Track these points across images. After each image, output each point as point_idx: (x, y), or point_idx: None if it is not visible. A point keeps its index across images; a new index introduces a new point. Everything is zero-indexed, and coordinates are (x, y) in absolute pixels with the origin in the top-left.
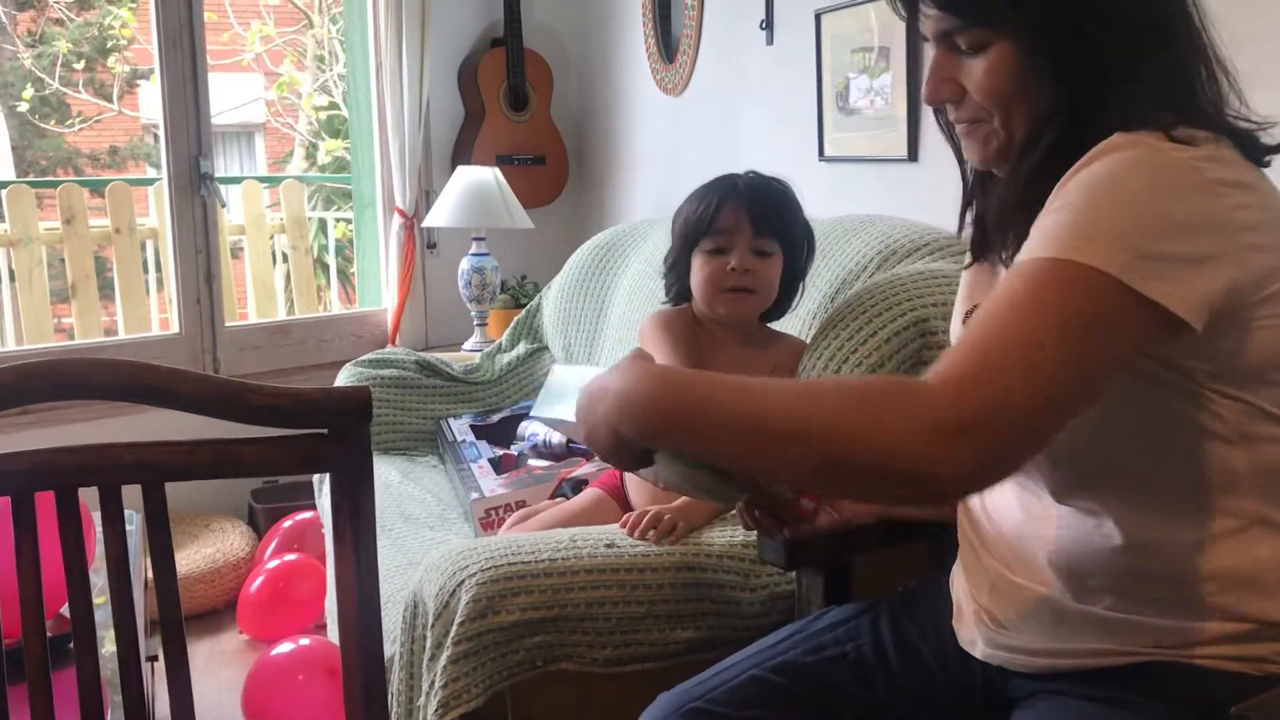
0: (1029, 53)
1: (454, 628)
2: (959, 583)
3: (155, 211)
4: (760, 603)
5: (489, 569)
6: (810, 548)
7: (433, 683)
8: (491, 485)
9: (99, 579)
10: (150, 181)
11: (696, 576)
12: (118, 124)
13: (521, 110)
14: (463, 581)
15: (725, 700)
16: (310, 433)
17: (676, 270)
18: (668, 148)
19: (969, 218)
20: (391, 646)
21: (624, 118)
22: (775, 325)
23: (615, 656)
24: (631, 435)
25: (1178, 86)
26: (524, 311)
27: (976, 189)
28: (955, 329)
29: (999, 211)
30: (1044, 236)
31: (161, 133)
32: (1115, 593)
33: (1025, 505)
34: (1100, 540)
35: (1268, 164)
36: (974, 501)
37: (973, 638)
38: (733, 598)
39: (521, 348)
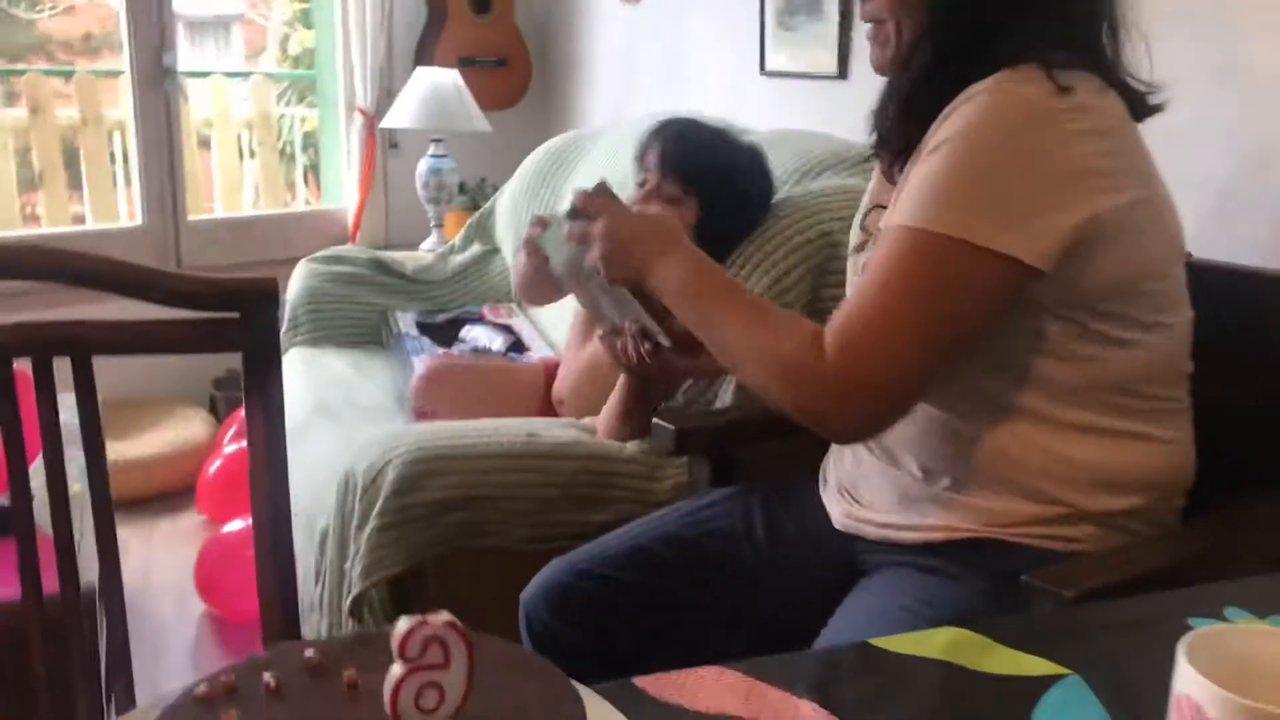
0: None
1: (380, 501)
2: (829, 460)
3: (122, 102)
4: (665, 491)
5: (415, 449)
6: (697, 436)
7: (359, 550)
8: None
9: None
10: (110, 73)
11: (608, 466)
12: (91, 10)
13: (485, 12)
14: (390, 460)
15: (608, 563)
16: (223, 316)
17: None
18: (624, 56)
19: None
20: (327, 520)
21: (585, 24)
22: None
23: (532, 535)
24: (643, 284)
25: (1076, 31)
26: (478, 213)
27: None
28: (854, 229)
29: (883, 123)
30: (909, 198)
31: (123, 24)
32: (953, 476)
33: None
34: (943, 433)
35: (1142, 119)
36: None
37: (833, 508)
38: (640, 486)
39: (474, 249)
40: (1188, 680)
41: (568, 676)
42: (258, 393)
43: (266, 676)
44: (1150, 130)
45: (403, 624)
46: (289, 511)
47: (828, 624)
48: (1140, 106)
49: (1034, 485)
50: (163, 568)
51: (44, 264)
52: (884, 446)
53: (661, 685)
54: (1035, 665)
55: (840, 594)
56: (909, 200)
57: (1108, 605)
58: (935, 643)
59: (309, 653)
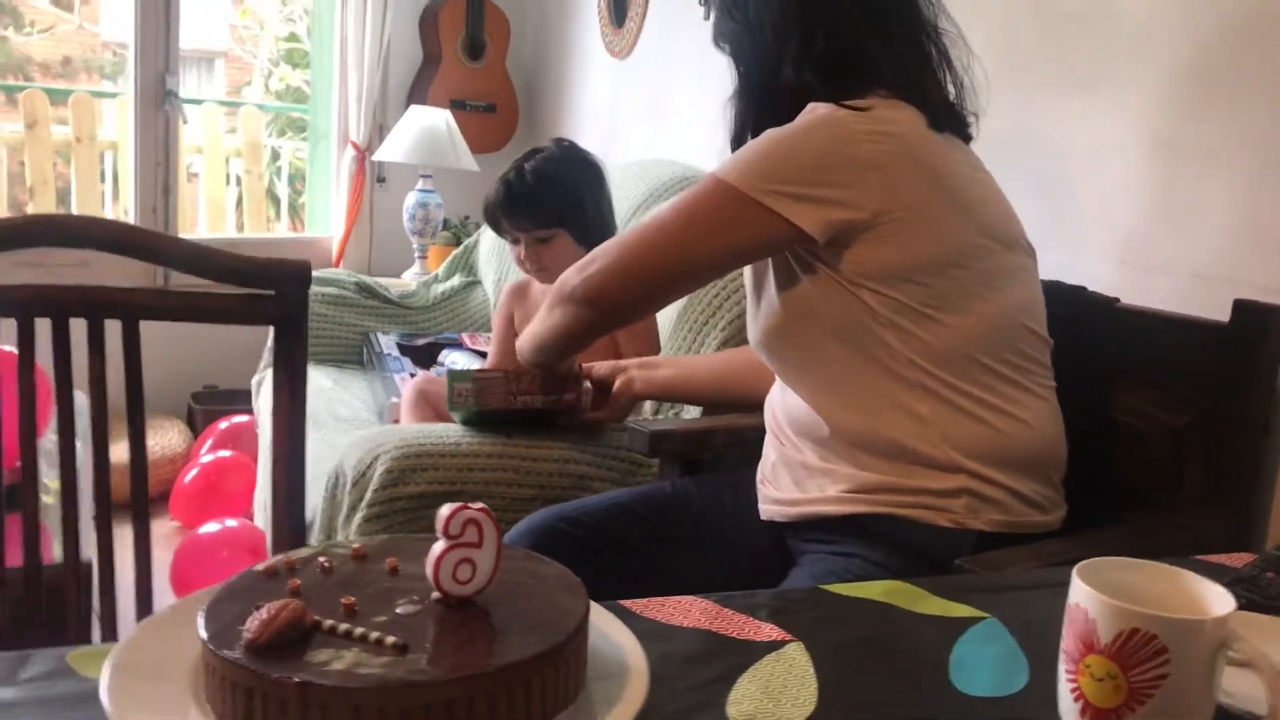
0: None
1: (368, 493)
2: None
3: (117, 124)
4: None
5: (402, 446)
6: (670, 440)
7: (347, 538)
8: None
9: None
10: (108, 94)
11: (581, 469)
12: (73, 35)
13: (478, 59)
14: (379, 456)
15: (589, 513)
16: (259, 293)
17: None
18: (610, 107)
19: None
20: (313, 513)
21: (573, 75)
22: None
23: (507, 531)
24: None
25: (886, 75)
26: (462, 247)
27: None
28: None
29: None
30: (727, 159)
31: (131, 49)
32: (832, 451)
33: (779, 385)
34: (812, 413)
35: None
36: (772, 390)
37: (761, 502)
38: (614, 487)
39: (456, 279)
40: (1077, 591)
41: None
42: (285, 361)
43: (321, 559)
44: (1090, 194)
45: (445, 509)
46: (304, 470)
47: None
48: (943, 118)
49: (896, 448)
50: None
51: (106, 235)
52: (782, 430)
53: (643, 606)
54: (959, 610)
55: (776, 581)
56: (726, 160)
57: (1021, 571)
58: (876, 589)
59: (354, 544)
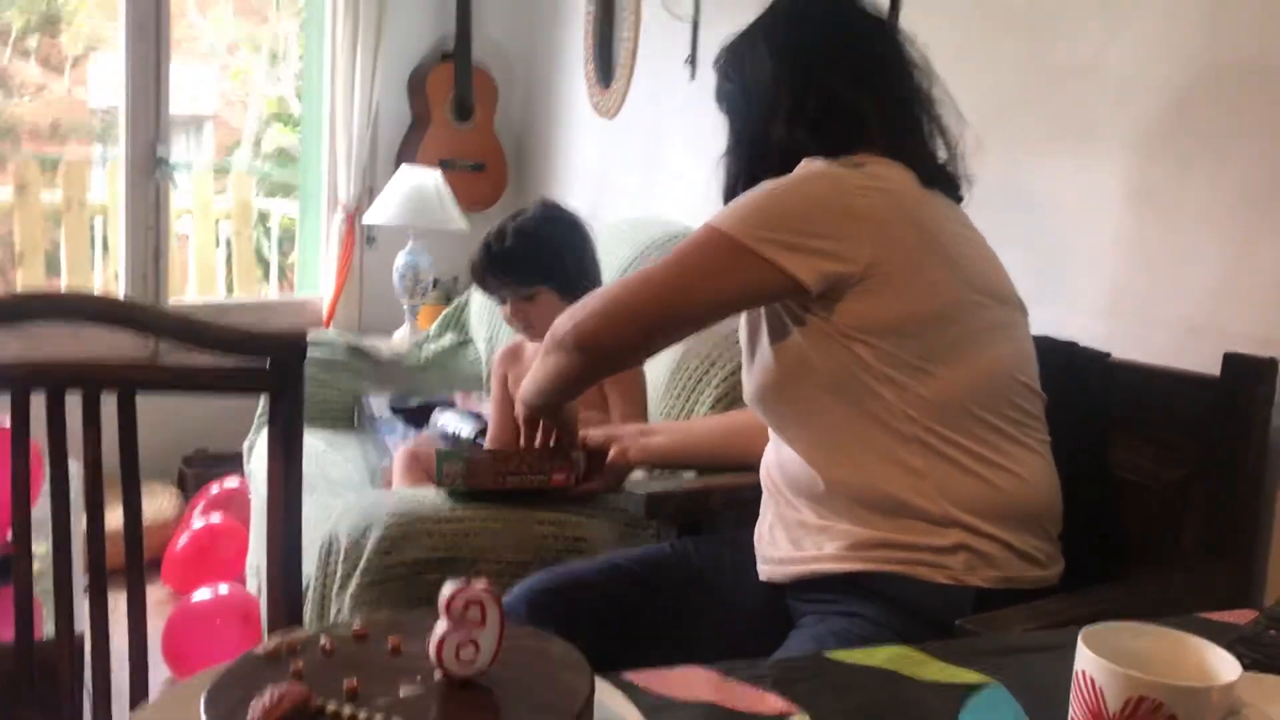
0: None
1: (363, 561)
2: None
3: (107, 189)
4: None
5: (396, 513)
6: (666, 502)
7: (340, 608)
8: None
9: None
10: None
11: (578, 532)
12: (62, 100)
13: (466, 120)
14: (373, 523)
15: (587, 575)
16: (253, 364)
17: None
18: (599, 166)
19: None
20: (307, 580)
21: (561, 134)
22: None
23: (503, 595)
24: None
25: (878, 137)
26: (452, 306)
27: None
28: None
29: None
30: (722, 209)
31: (122, 117)
32: (829, 507)
33: (775, 442)
34: (808, 469)
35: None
36: (767, 448)
37: (759, 564)
38: (609, 553)
39: (448, 339)
40: (1083, 658)
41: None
42: (280, 429)
43: (322, 640)
44: (1080, 248)
45: (448, 587)
46: (300, 538)
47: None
48: (933, 176)
49: (893, 504)
50: (126, 635)
51: (100, 310)
52: (778, 488)
53: (646, 678)
54: (964, 675)
55: (776, 643)
56: (721, 210)
57: (1025, 634)
58: (879, 655)
59: (355, 624)
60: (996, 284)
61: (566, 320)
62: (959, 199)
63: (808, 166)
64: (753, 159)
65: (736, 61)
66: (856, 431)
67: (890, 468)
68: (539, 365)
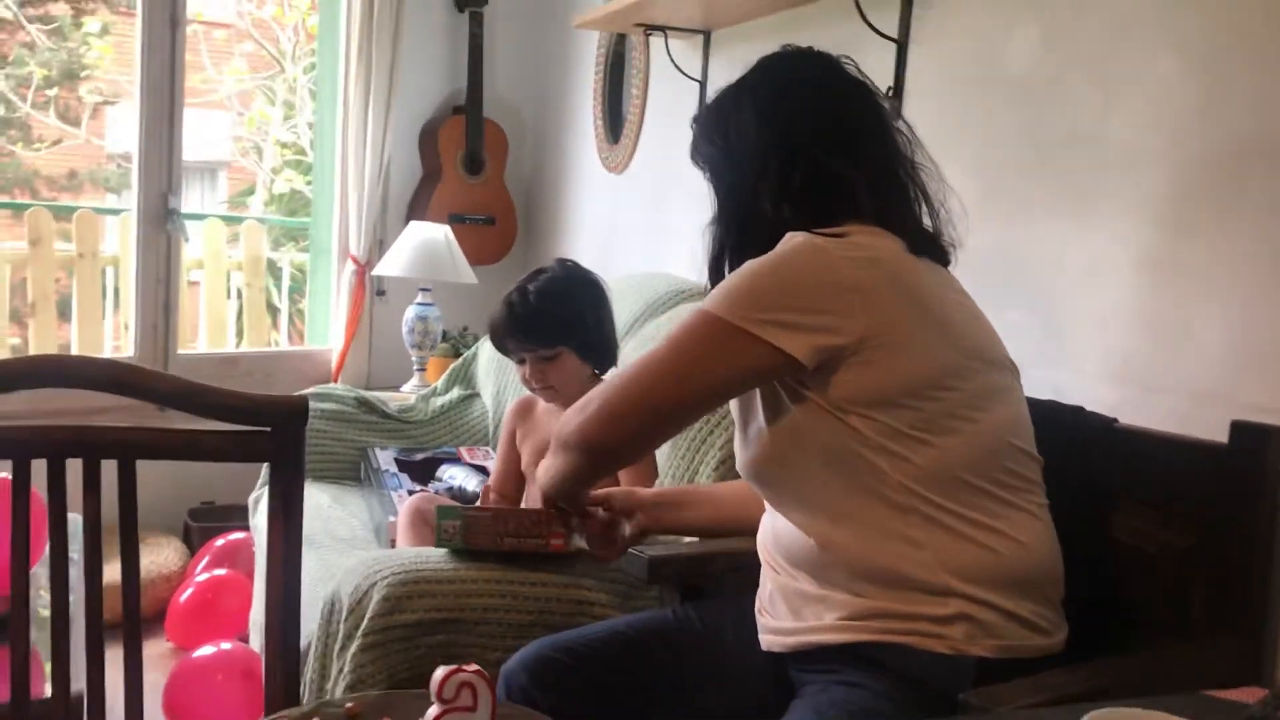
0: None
1: (365, 622)
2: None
3: (119, 240)
4: None
5: (399, 573)
6: (668, 566)
7: (341, 669)
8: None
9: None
10: (110, 211)
11: (580, 594)
12: (79, 149)
13: (477, 174)
14: (375, 583)
15: (588, 642)
16: (257, 430)
17: None
18: (608, 220)
19: None
20: (308, 640)
21: (570, 189)
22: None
23: (506, 659)
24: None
25: (865, 206)
26: (460, 359)
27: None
28: None
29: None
30: (710, 292)
31: (135, 168)
32: (827, 578)
33: (771, 513)
34: (806, 540)
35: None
36: (764, 518)
37: (760, 632)
38: (611, 615)
39: (455, 393)
40: None
41: None
42: (282, 497)
43: None
44: (1084, 314)
45: (440, 671)
46: (299, 609)
47: None
48: (922, 244)
49: (892, 574)
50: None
51: (104, 375)
52: (775, 558)
53: None
54: None
55: (779, 713)
56: (710, 293)
57: (1030, 712)
58: None
59: (349, 704)
60: (988, 348)
61: (572, 420)
62: (946, 263)
63: (791, 241)
64: (739, 229)
65: (720, 124)
66: (853, 503)
67: (888, 539)
68: (552, 462)
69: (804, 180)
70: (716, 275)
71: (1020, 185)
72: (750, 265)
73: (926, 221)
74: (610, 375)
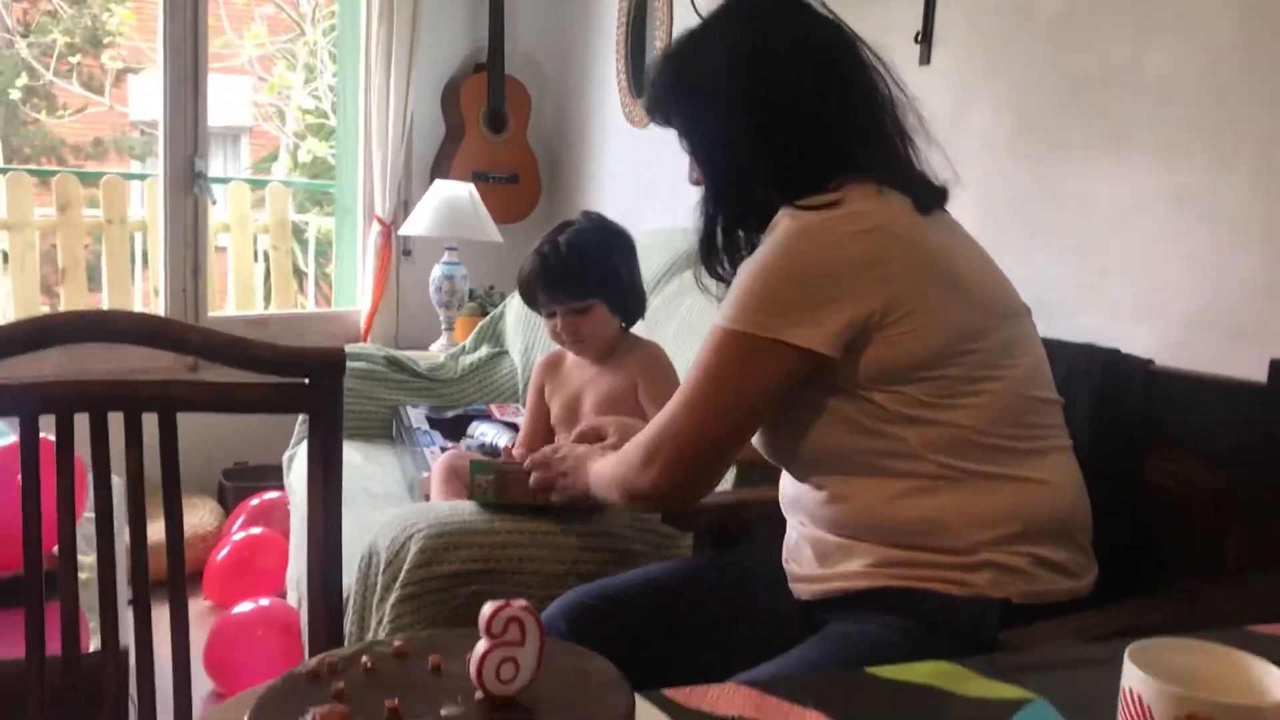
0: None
1: (402, 573)
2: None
3: (147, 205)
4: None
5: (435, 525)
6: (703, 514)
7: (380, 619)
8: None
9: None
10: (137, 176)
11: (613, 543)
12: (104, 117)
13: (500, 132)
14: (412, 535)
15: (625, 589)
16: (294, 381)
17: None
18: (631, 175)
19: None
20: (347, 592)
21: (594, 145)
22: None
23: (539, 608)
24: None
25: (858, 155)
26: (488, 318)
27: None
28: None
29: (702, 261)
30: (723, 303)
31: (161, 133)
32: (851, 535)
33: (789, 478)
34: (827, 504)
35: (930, 210)
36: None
37: (789, 580)
38: (645, 564)
39: (484, 350)
40: (1131, 675)
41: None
42: (320, 446)
43: (363, 659)
44: (1121, 253)
45: (488, 607)
46: (339, 553)
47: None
48: (929, 198)
49: (913, 538)
50: (169, 648)
51: (142, 329)
52: (797, 515)
53: (685, 695)
54: (1008, 691)
55: None
56: (722, 305)
57: (1069, 648)
58: (921, 671)
59: (396, 642)
60: (1000, 300)
61: (638, 475)
62: (945, 204)
63: (786, 225)
64: (729, 202)
65: (691, 80)
66: (875, 472)
67: (910, 506)
68: (612, 491)
69: (790, 137)
70: (709, 252)
71: (1053, 123)
72: (753, 265)
73: (915, 161)
74: (658, 420)
